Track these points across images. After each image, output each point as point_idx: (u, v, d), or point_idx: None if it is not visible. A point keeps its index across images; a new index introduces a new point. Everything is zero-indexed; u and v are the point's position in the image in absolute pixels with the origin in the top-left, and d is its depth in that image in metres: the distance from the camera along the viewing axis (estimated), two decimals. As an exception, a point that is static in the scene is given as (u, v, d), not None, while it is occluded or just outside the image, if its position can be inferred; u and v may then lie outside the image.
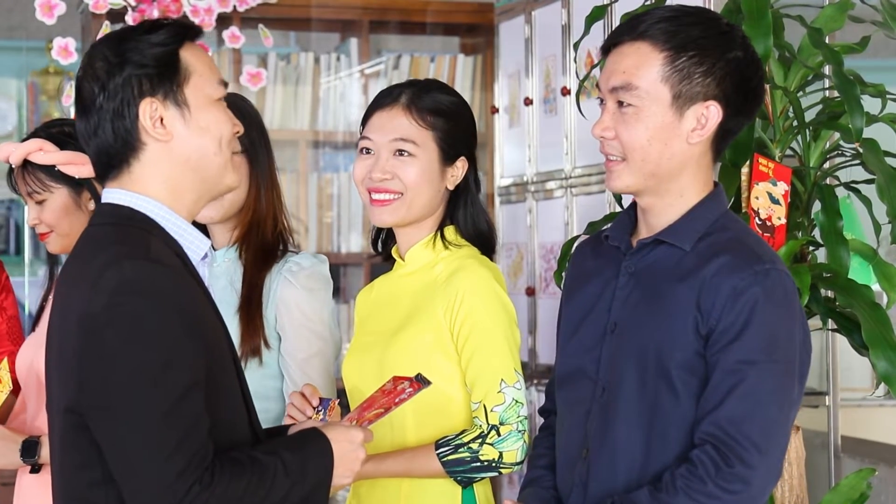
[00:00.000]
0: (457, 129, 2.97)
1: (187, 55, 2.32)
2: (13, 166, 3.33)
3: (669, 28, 2.50)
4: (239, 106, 3.08)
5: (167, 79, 2.30)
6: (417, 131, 2.94)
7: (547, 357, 4.90)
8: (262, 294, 3.06)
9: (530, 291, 4.98)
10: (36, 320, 3.47)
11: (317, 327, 3.08)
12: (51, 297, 3.43)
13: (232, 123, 2.37)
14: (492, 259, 3.02)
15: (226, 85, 2.39)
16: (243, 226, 3.12)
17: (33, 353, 3.37)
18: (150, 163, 2.31)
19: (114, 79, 2.28)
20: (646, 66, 2.50)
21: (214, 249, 3.17)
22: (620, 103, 2.51)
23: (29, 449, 3.25)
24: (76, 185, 3.31)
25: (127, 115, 2.29)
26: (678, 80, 2.48)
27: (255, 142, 3.11)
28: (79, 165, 3.27)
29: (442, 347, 2.89)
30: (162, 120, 2.30)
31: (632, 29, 2.53)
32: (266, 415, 2.93)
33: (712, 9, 3.82)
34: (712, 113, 2.50)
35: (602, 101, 2.56)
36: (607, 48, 2.57)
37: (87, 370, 2.19)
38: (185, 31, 2.35)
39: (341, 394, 3.12)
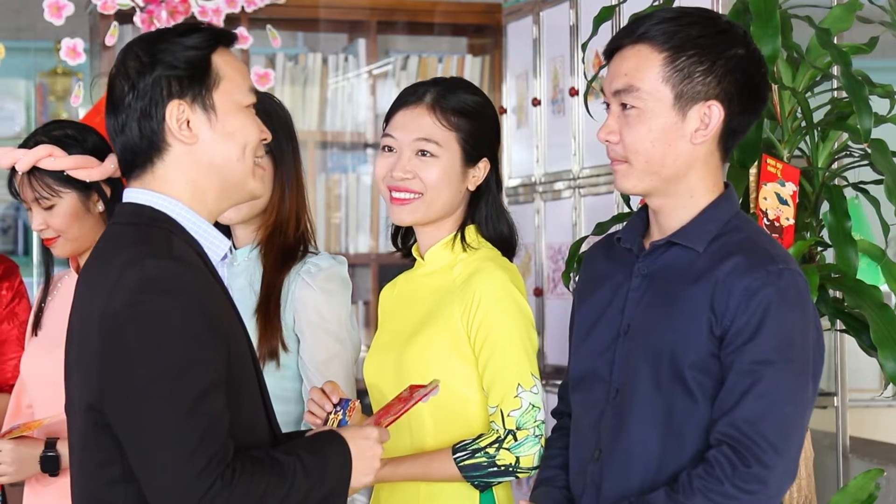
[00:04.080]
0: (480, 130, 2.95)
1: (219, 60, 2.34)
2: (20, 173, 3.30)
3: (669, 29, 2.50)
4: (266, 107, 3.06)
5: (197, 82, 2.31)
6: (441, 132, 2.92)
7: (555, 358, 4.90)
8: (280, 296, 3.04)
9: (538, 292, 4.97)
10: (36, 323, 3.45)
11: (334, 329, 3.06)
12: (49, 298, 3.43)
13: (259, 130, 2.38)
14: (512, 260, 3.01)
15: (256, 93, 2.40)
16: (266, 227, 3.10)
17: (38, 355, 3.37)
18: (173, 164, 2.32)
19: (144, 78, 2.30)
20: (646, 67, 2.50)
21: (235, 248, 3.16)
22: (624, 106, 2.52)
23: (49, 462, 3.24)
24: (85, 189, 3.29)
25: (154, 115, 2.30)
26: (679, 80, 2.49)
27: (281, 143, 3.07)
28: (89, 169, 3.26)
29: (458, 350, 2.88)
30: (188, 123, 2.31)
31: (632, 32, 2.54)
32: (285, 417, 2.92)
33: (720, 10, 3.82)
34: (714, 112, 2.50)
35: (607, 105, 2.56)
36: (610, 52, 2.57)
37: (109, 368, 2.20)
38: (220, 36, 2.36)
39: (361, 395, 3.11)
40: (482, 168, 2.97)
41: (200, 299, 2.21)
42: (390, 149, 2.96)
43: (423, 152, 2.92)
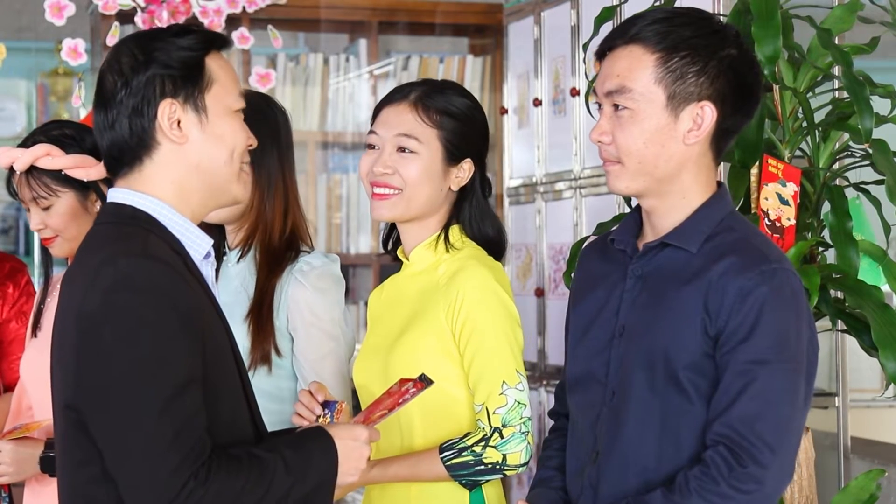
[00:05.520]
0: (465, 130, 2.95)
1: (212, 63, 2.35)
2: (18, 172, 3.31)
3: (661, 29, 2.50)
4: (255, 107, 3.04)
5: (190, 83, 2.32)
6: (422, 128, 2.93)
7: (556, 358, 4.90)
8: (272, 300, 3.04)
9: (539, 292, 4.98)
10: (35, 323, 3.45)
11: (328, 327, 3.06)
12: (48, 299, 3.43)
13: (247, 136, 2.39)
14: (501, 262, 3.01)
15: (247, 93, 2.41)
16: (247, 228, 3.11)
17: (40, 355, 3.37)
18: (161, 163, 2.33)
19: (138, 76, 2.31)
20: (639, 68, 2.50)
21: (230, 249, 3.16)
22: (616, 107, 2.52)
23: (48, 463, 3.25)
24: (83, 189, 3.29)
25: (146, 113, 2.31)
26: (672, 81, 2.49)
27: (264, 143, 3.06)
28: (87, 168, 3.26)
29: (445, 349, 2.88)
30: (179, 123, 2.32)
31: (624, 32, 2.54)
32: (281, 416, 2.92)
33: (721, 10, 3.82)
34: (707, 113, 2.50)
35: (599, 106, 2.56)
36: (602, 53, 2.57)
37: (85, 367, 2.21)
38: (213, 39, 2.37)
39: (355, 394, 3.11)
40: (466, 169, 2.97)
41: (174, 297, 2.21)
42: (374, 145, 2.97)
43: (403, 148, 2.93)
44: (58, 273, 3.51)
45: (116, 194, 2.35)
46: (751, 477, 2.40)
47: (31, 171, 3.28)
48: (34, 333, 3.44)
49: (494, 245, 3.01)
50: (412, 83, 3.01)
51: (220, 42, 2.39)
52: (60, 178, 3.27)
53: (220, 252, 3.14)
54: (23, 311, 3.66)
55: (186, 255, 2.33)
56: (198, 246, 2.36)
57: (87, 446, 2.24)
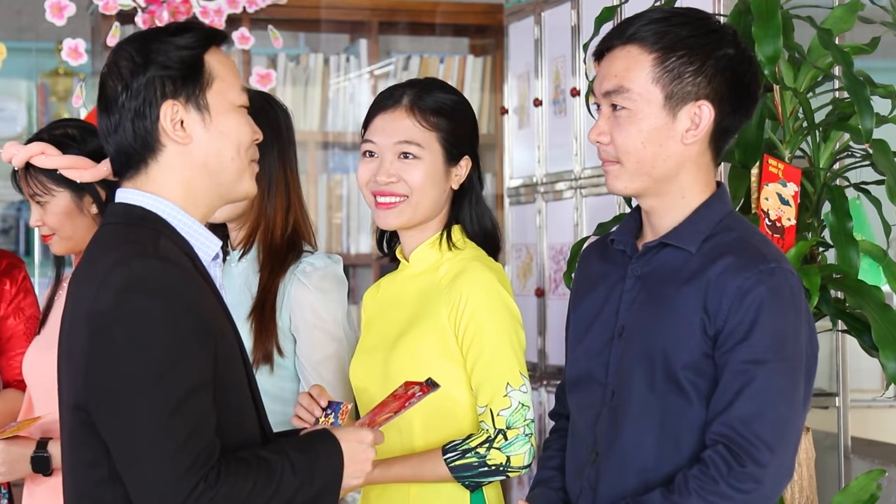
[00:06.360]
0: (460, 128, 2.96)
1: (212, 60, 2.34)
2: (15, 168, 3.32)
3: (659, 29, 2.50)
4: (255, 105, 3.03)
5: (190, 82, 2.31)
6: (422, 133, 2.92)
7: (556, 358, 4.91)
8: (276, 299, 3.04)
9: (539, 292, 4.98)
10: (42, 321, 3.46)
11: (330, 328, 3.06)
12: (56, 298, 3.43)
13: (252, 130, 2.39)
14: (497, 259, 3.01)
15: (247, 91, 2.40)
16: (248, 226, 3.11)
17: (40, 354, 3.37)
18: (167, 164, 2.33)
19: (137, 78, 2.30)
20: (636, 68, 2.50)
21: (233, 249, 3.16)
22: (614, 107, 2.52)
23: (39, 462, 3.24)
24: (78, 190, 3.29)
25: (148, 115, 2.30)
26: (669, 81, 2.49)
27: (264, 141, 3.06)
28: (81, 170, 3.27)
29: (447, 351, 2.88)
30: (182, 123, 2.31)
31: (622, 32, 2.54)
32: (283, 417, 2.92)
33: (721, 10, 3.82)
34: (705, 112, 2.50)
35: (598, 106, 2.57)
36: (600, 53, 2.57)
37: (95, 367, 2.20)
38: (212, 36, 2.36)
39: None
40: (464, 166, 2.97)
41: (186, 299, 2.21)
42: (371, 154, 2.96)
43: (405, 154, 2.92)
44: (68, 272, 3.51)
45: (126, 195, 2.35)
46: (749, 476, 2.40)
47: (29, 168, 3.30)
48: (38, 331, 3.44)
49: (491, 240, 3.01)
50: (399, 86, 2.99)
51: (218, 38, 2.37)
52: (56, 177, 3.28)
53: (224, 252, 3.14)
54: (20, 307, 3.66)
55: (196, 257, 2.33)
56: (206, 248, 2.36)
57: (95, 447, 2.24)
